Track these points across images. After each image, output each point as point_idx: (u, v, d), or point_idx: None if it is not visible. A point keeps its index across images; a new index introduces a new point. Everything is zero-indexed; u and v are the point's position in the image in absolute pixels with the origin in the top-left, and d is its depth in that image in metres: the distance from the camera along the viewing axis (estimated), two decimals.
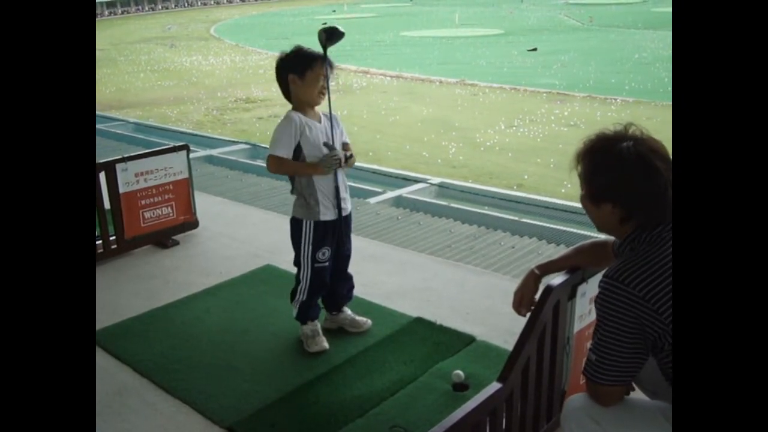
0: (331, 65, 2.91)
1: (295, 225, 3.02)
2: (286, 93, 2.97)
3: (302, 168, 2.92)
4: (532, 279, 2.16)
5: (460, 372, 2.77)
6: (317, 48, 2.89)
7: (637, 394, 2.01)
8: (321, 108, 3.00)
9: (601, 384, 1.72)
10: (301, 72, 2.88)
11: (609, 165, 1.73)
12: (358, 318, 3.24)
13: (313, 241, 2.99)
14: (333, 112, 2.99)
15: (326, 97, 2.92)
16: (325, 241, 3.01)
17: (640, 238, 1.75)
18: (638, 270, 1.67)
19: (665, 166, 1.68)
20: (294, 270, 3.12)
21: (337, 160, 2.87)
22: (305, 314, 3.11)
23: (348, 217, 3.09)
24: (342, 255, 3.15)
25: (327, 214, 2.97)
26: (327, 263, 3.04)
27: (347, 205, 3.05)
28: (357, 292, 3.31)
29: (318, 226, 2.98)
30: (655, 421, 1.73)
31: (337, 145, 2.94)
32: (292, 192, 3.03)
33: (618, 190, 1.73)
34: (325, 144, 2.90)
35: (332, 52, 2.88)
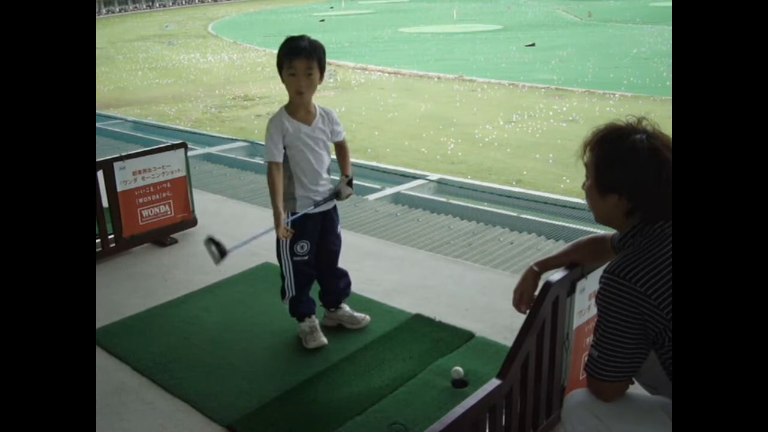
0: (319, 62, 2.75)
1: None
2: None
3: (275, 203, 2.82)
4: (531, 276, 2.15)
5: (459, 368, 2.77)
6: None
7: (637, 389, 2.01)
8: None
9: (603, 380, 1.72)
10: (279, 68, 2.83)
11: (621, 156, 1.71)
12: (357, 314, 3.23)
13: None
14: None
15: (307, 94, 2.80)
16: (304, 234, 2.97)
17: (642, 233, 1.73)
18: (639, 265, 1.66)
19: None
20: None
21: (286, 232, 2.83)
22: (298, 310, 3.10)
23: (331, 212, 3.04)
24: (327, 250, 3.10)
25: (304, 207, 2.93)
26: (307, 257, 3.01)
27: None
28: (355, 288, 3.29)
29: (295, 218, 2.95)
30: (655, 416, 1.72)
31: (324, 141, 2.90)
32: None
33: (628, 183, 1.71)
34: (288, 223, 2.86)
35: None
